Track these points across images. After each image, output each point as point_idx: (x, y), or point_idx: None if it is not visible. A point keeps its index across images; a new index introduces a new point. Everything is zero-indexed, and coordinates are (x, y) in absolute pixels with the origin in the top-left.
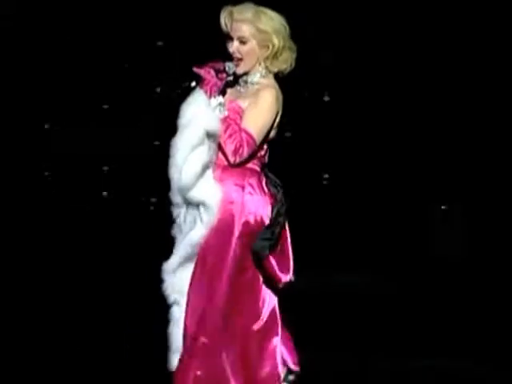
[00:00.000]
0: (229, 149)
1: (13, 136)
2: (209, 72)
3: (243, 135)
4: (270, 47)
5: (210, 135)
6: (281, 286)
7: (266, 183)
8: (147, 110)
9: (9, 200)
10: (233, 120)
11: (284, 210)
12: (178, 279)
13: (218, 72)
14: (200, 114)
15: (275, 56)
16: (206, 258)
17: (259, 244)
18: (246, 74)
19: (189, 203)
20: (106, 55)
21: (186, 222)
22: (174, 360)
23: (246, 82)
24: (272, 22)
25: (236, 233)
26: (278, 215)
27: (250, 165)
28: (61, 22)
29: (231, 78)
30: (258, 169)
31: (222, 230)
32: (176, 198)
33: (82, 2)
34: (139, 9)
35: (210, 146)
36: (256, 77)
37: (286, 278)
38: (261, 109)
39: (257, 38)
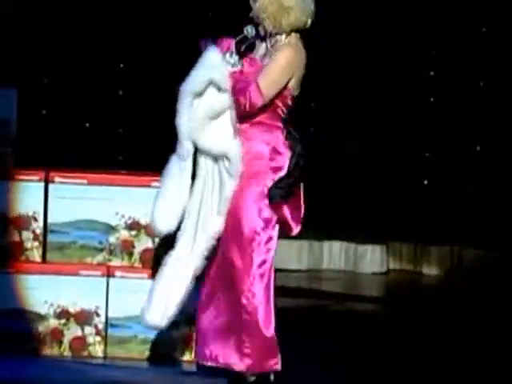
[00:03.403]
0: (238, 101)
1: None
2: (225, 37)
3: (251, 87)
4: (257, 5)
5: (215, 85)
6: (292, 234)
7: (286, 137)
8: None
9: None
10: (246, 75)
11: (302, 163)
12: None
13: (237, 39)
14: (207, 64)
15: (269, 13)
16: (237, 213)
17: (273, 191)
18: (271, 35)
19: (212, 159)
20: (107, 55)
21: (210, 175)
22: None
23: (269, 41)
24: None
25: (265, 189)
26: (295, 167)
27: (270, 120)
28: (62, 22)
29: (250, 39)
30: (279, 124)
31: (252, 185)
32: (184, 147)
33: (83, 1)
34: (142, 9)
35: (219, 98)
36: (275, 38)
37: (297, 229)
38: (274, 64)
39: (254, 1)
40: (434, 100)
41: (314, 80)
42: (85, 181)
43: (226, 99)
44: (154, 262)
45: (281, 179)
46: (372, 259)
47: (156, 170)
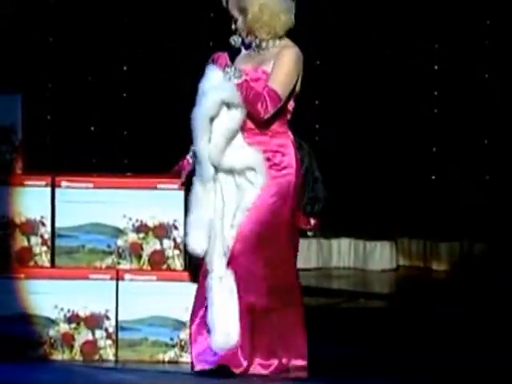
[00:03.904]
0: (254, 108)
1: None
2: (220, 52)
3: (265, 91)
4: (249, 14)
5: (227, 104)
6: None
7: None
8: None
9: None
10: (256, 85)
11: (316, 165)
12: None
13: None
14: (214, 85)
15: (263, 23)
16: (264, 221)
17: (319, 199)
18: (260, 42)
19: (227, 172)
20: (108, 56)
21: (228, 191)
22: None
23: (260, 48)
24: None
25: (292, 194)
26: (314, 170)
27: (282, 128)
28: (62, 22)
29: (238, 46)
30: (288, 130)
31: (281, 193)
32: (206, 170)
33: (84, 1)
34: (142, 9)
35: (231, 116)
36: (266, 42)
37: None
38: (283, 66)
39: (242, 13)
40: (438, 94)
41: (316, 77)
42: (91, 184)
43: (238, 114)
44: (163, 264)
45: (314, 186)
46: (381, 256)
47: (161, 171)
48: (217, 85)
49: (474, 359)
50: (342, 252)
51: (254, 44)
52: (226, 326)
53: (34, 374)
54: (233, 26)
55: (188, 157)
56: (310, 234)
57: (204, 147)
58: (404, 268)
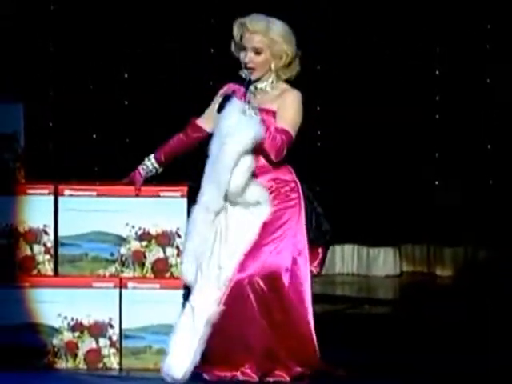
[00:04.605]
0: (272, 149)
1: None
2: (233, 85)
3: (282, 134)
4: (284, 57)
5: (256, 142)
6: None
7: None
8: None
9: None
10: (270, 123)
11: (317, 203)
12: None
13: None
14: (244, 122)
15: (287, 65)
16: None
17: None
18: (256, 80)
19: (233, 204)
20: (108, 58)
21: (231, 222)
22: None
23: (257, 88)
24: (283, 32)
25: (300, 223)
26: (316, 207)
27: (286, 162)
28: (62, 22)
29: (248, 84)
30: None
31: (289, 218)
32: (218, 202)
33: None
34: (142, 9)
35: (251, 154)
36: (267, 83)
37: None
38: (294, 109)
39: (270, 48)
40: (440, 99)
41: (317, 82)
42: (94, 193)
43: (252, 151)
44: (166, 272)
45: (320, 219)
46: (385, 262)
47: (164, 179)
48: (247, 122)
49: (476, 365)
50: (346, 258)
51: (253, 84)
52: (182, 357)
53: (38, 383)
54: (246, 59)
55: (140, 168)
56: (314, 272)
57: (227, 181)
58: (408, 274)
